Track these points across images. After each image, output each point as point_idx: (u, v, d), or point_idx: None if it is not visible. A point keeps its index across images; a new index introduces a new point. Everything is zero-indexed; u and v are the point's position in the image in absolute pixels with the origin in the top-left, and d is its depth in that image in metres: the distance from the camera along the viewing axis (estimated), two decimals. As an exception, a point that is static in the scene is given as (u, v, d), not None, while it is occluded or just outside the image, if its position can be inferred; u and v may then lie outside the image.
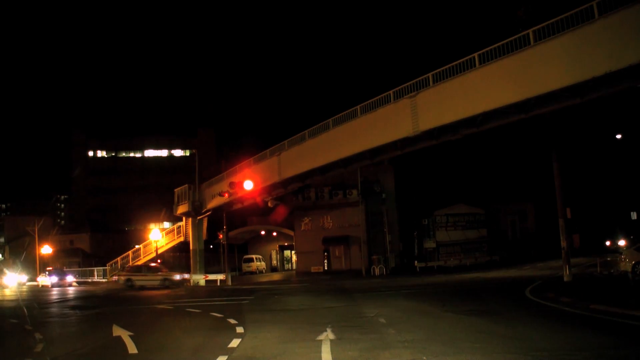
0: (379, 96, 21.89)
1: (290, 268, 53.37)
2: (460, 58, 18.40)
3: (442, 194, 46.72)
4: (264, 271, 50.16)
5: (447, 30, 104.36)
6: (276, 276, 41.96)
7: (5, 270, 39.94)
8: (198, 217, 37.04)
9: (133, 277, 30.42)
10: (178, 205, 37.97)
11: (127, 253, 45.30)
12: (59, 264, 50.42)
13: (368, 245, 38.67)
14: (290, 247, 51.29)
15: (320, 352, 8.12)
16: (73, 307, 19.28)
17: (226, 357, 7.99)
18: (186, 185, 36.87)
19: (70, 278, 39.53)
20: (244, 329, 10.84)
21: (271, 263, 55.01)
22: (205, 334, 10.66)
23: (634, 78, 14.79)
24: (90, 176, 78.00)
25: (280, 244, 54.00)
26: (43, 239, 51.30)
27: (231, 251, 40.37)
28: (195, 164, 37.03)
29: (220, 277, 34.02)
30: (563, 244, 20.30)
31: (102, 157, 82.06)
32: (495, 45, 17.23)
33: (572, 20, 15.13)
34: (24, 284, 39.53)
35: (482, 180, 51.60)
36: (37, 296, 26.69)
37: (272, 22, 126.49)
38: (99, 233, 64.51)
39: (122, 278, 31.28)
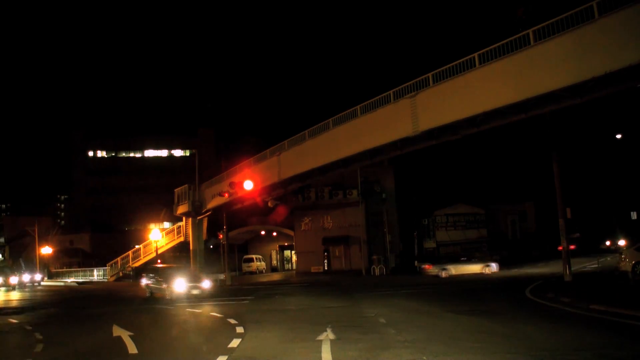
0: (379, 96, 21.86)
1: (290, 268, 53.25)
2: (460, 58, 18.38)
3: (442, 194, 46.75)
4: (264, 271, 50.05)
5: (447, 30, 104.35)
6: (276, 276, 41.92)
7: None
8: (198, 217, 37.01)
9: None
10: (178, 205, 37.94)
11: (127, 253, 45.30)
12: (59, 264, 50.40)
13: (368, 245, 38.64)
14: (290, 247, 51.20)
15: (320, 352, 8.11)
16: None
17: (226, 357, 7.99)
18: (186, 185, 36.83)
19: (14, 280, 36.22)
20: (244, 329, 10.84)
21: (271, 263, 54.89)
22: (205, 334, 10.66)
23: (633, 78, 14.78)
24: (90, 176, 77.88)
25: (280, 244, 53.92)
26: (43, 239, 51.27)
27: (231, 251, 40.33)
28: (195, 164, 36.96)
29: (220, 277, 34.00)
30: (563, 243, 20.31)
31: (102, 157, 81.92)
32: (495, 45, 17.21)
33: (572, 20, 15.10)
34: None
35: (482, 180, 51.60)
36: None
37: (272, 22, 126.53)
38: (99, 233, 64.45)
39: None
